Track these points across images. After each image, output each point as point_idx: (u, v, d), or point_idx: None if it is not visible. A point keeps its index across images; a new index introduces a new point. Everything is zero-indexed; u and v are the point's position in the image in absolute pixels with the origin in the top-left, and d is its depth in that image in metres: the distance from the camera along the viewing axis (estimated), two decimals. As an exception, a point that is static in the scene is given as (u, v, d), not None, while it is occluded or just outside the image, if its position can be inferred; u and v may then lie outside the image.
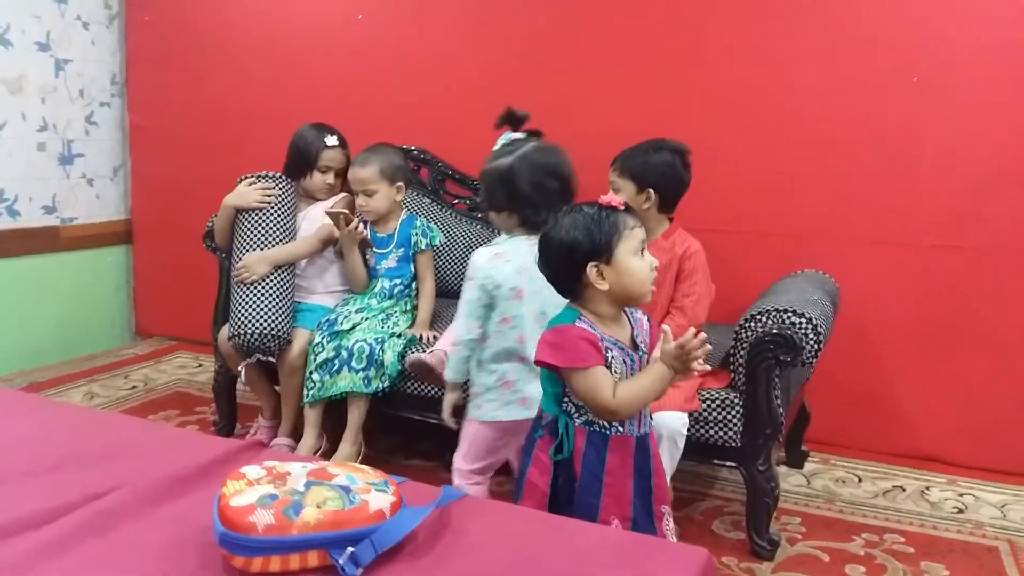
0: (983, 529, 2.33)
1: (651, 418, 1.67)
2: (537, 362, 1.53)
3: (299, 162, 2.71)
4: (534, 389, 1.88)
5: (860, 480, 2.64)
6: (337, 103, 3.33)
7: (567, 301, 1.65)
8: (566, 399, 1.56)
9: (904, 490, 2.58)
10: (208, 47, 3.70)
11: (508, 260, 1.90)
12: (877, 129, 2.70)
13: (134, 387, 3.38)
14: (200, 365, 3.69)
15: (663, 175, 2.23)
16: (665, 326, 1.54)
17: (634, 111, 2.91)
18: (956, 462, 2.72)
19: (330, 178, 2.70)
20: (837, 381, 2.77)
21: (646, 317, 1.65)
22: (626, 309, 1.60)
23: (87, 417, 1.60)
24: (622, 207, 1.53)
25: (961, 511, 2.44)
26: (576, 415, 1.55)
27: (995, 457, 2.68)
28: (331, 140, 2.68)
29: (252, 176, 2.66)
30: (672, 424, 2.06)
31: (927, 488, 2.59)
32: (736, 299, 2.51)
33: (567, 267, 1.53)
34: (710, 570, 1.07)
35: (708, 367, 1.50)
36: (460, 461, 2.02)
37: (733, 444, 2.15)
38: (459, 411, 2.09)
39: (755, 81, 2.81)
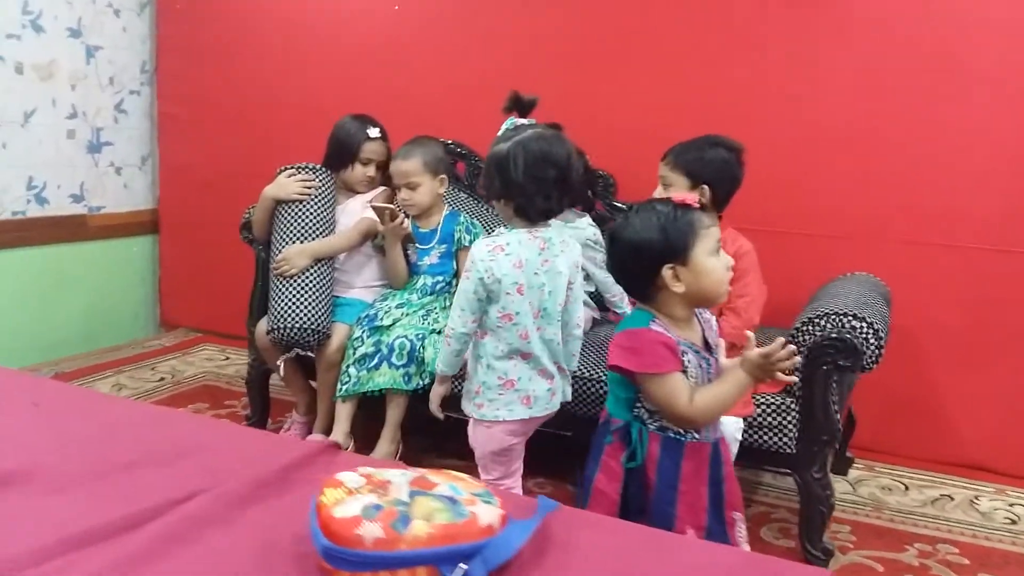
0: (1038, 541, 2.28)
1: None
2: (610, 367, 1.48)
3: (340, 154, 2.66)
4: (537, 387, 1.87)
5: (907, 488, 2.58)
6: (371, 94, 3.27)
7: (562, 300, 1.62)
8: (638, 404, 1.51)
9: (952, 499, 2.52)
10: (239, 36, 3.66)
11: (508, 253, 1.84)
12: (926, 129, 2.64)
13: (162, 379, 3.34)
14: (227, 358, 3.64)
15: (718, 172, 2.17)
16: (749, 332, 1.48)
17: (672, 109, 2.88)
18: (1003, 471, 2.67)
19: (371, 171, 2.65)
20: (882, 386, 2.71)
21: (713, 317, 1.60)
22: (695, 310, 1.55)
23: (149, 414, 1.54)
24: (697, 205, 1.47)
25: (1014, 522, 2.39)
26: (650, 421, 1.50)
27: (1045, 467, 2.62)
28: (373, 132, 2.63)
29: (292, 167, 2.61)
30: (728, 429, 2.01)
31: (976, 497, 2.54)
32: (783, 301, 2.45)
33: (639, 268, 1.48)
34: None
35: (796, 379, 1.45)
36: (484, 475, 1.97)
37: (788, 450, 2.10)
38: (447, 402, 2.08)
39: (798, 82, 2.76)
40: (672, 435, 1.49)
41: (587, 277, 2.60)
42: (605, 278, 2.62)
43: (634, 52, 2.96)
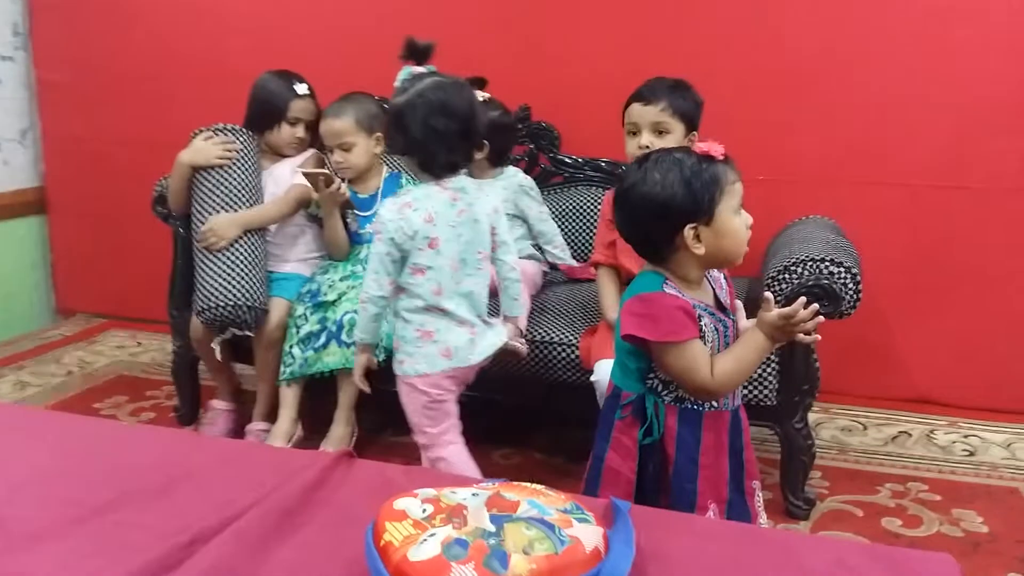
0: (999, 471, 2.32)
1: None
2: (624, 336, 1.36)
3: (265, 114, 2.43)
4: (456, 338, 1.80)
5: (865, 428, 2.60)
6: (286, 48, 3.02)
7: (484, 249, 1.67)
8: (652, 375, 1.39)
9: (911, 435, 2.55)
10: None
11: (416, 209, 1.77)
12: (872, 71, 2.60)
13: (70, 372, 3.04)
14: (139, 344, 3.36)
15: (697, 118, 2.05)
16: (768, 294, 1.39)
17: (615, 59, 2.73)
18: (953, 403, 2.71)
19: (300, 131, 2.43)
20: (832, 326, 2.69)
21: (723, 276, 1.49)
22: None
23: (113, 433, 1.32)
24: (721, 156, 1.35)
25: (972, 454, 2.43)
26: (665, 392, 1.38)
27: (991, 396, 2.68)
28: (301, 88, 2.41)
29: (209, 129, 2.37)
30: None
31: (932, 432, 2.57)
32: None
33: (658, 227, 1.34)
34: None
35: (818, 337, 1.37)
36: (419, 436, 1.90)
37: (769, 403, 2.05)
38: (371, 374, 2.00)
39: (747, 25, 2.67)
40: (690, 406, 1.39)
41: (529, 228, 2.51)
42: (546, 228, 2.51)
43: (577, 3, 2.80)
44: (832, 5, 2.60)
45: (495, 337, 1.91)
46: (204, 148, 2.33)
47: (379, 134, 2.36)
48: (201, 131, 2.38)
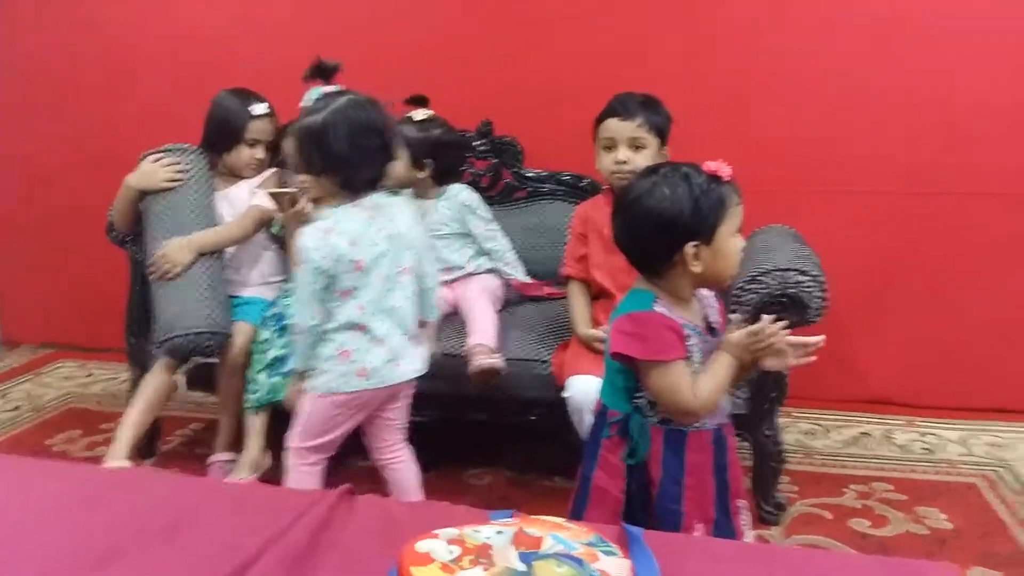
0: (957, 468, 2.40)
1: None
2: (613, 355, 1.36)
3: (222, 135, 2.37)
4: (375, 358, 1.79)
5: (827, 431, 2.66)
6: (235, 69, 2.96)
7: (408, 263, 1.68)
8: (639, 394, 1.40)
9: (871, 436, 2.62)
10: (73, 5, 3.20)
11: (339, 233, 1.75)
12: (831, 81, 2.67)
13: (17, 407, 2.93)
14: (90, 375, 3.26)
15: (668, 130, 2.07)
16: (733, 315, 1.41)
17: (583, 70, 2.75)
18: (908, 403, 2.79)
19: (259, 152, 2.38)
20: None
21: (711, 296, 1.51)
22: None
23: (97, 479, 1.25)
24: (728, 176, 1.36)
25: (930, 451, 2.50)
26: (650, 412, 1.39)
27: (945, 395, 2.77)
28: (259, 108, 2.36)
29: (157, 151, 2.31)
30: (591, 392, 1.86)
31: (891, 432, 2.64)
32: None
33: (660, 242, 1.34)
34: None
35: (810, 359, 1.38)
36: (295, 439, 1.88)
37: (739, 411, 2.07)
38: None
39: (705, 39, 2.72)
40: (675, 426, 1.39)
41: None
42: (495, 245, 2.49)
43: (537, 16, 2.81)
44: (789, 20, 2.66)
45: (418, 363, 1.89)
46: (152, 171, 2.27)
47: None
48: (149, 153, 2.32)
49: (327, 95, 1.81)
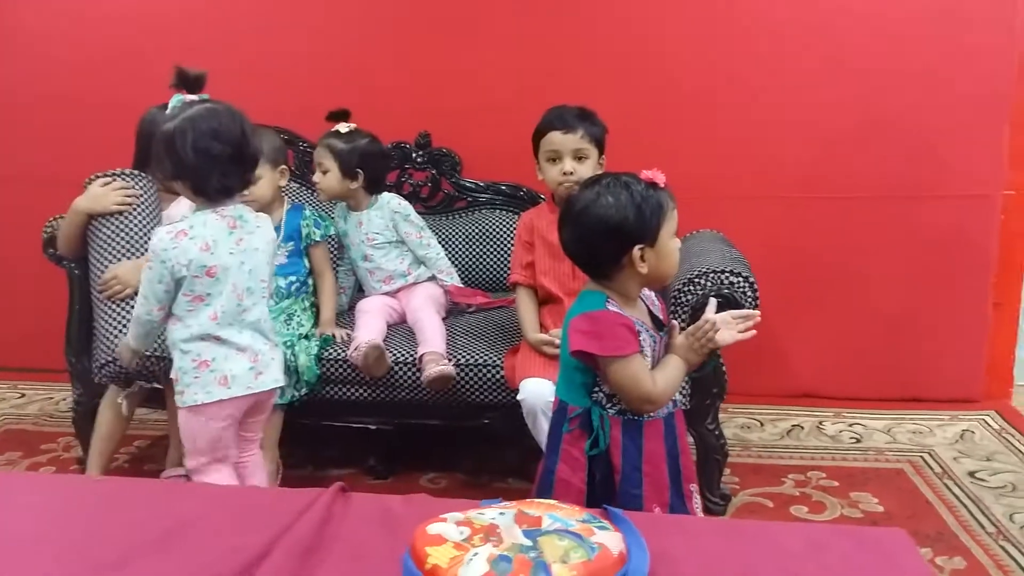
0: (884, 455, 2.54)
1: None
2: (573, 353, 1.43)
3: (143, 149, 2.33)
4: (235, 366, 1.82)
5: (762, 424, 2.78)
6: (158, 82, 2.94)
7: (265, 276, 1.73)
8: (597, 389, 1.47)
9: (803, 428, 2.75)
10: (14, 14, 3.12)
11: (192, 237, 1.77)
12: (746, 95, 2.82)
13: (-50, 431, 2.84)
14: (23, 395, 3.17)
15: (605, 141, 2.16)
16: (673, 321, 1.51)
17: (516, 82, 2.83)
18: (834, 395, 2.94)
19: None
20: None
21: (653, 294, 1.59)
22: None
23: (88, 489, 1.25)
24: (663, 183, 1.45)
25: (858, 440, 2.65)
26: (608, 405, 1.47)
27: (869, 386, 2.93)
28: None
29: (106, 175, 2.28)
30: (544, 394, 1.99)
31: (820, 423, 2.78)
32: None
33: (609, 247, 1.43)
34: (914, 548, 1.05)
35: (748, 335, 1.48)
36: (190, 462, 1.89)
37: (683, 407, 2.16)
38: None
39: (632, 53, 2.83)
40: (632, 417, 1.48)
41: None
42: (428, 252, 2.53)
43: (473, 32, 2.87)
44: (711, 35, 2.80)
45: (280, 375, 1.92)
46: (102, 195, 2.25)
47: (283, 167, 2.37)
48: (97, 176, 2.29)
49: (186, 103, 1.84)
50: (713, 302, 1.52)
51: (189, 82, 1.89)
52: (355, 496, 1.17)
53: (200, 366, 1.80)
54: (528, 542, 0.91)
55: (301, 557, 0.96)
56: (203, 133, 1.75)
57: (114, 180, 2.27)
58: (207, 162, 1.75)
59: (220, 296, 1.79)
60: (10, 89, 3.16)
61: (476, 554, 0.88)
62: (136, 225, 2.26)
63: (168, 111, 1.85)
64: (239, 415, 1.88)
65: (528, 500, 1.02)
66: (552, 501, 1.01)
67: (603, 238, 1.43)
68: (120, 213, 2.24)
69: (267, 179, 2.32)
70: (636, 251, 1.42)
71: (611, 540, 0.93)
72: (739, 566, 1.00)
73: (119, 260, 2.21)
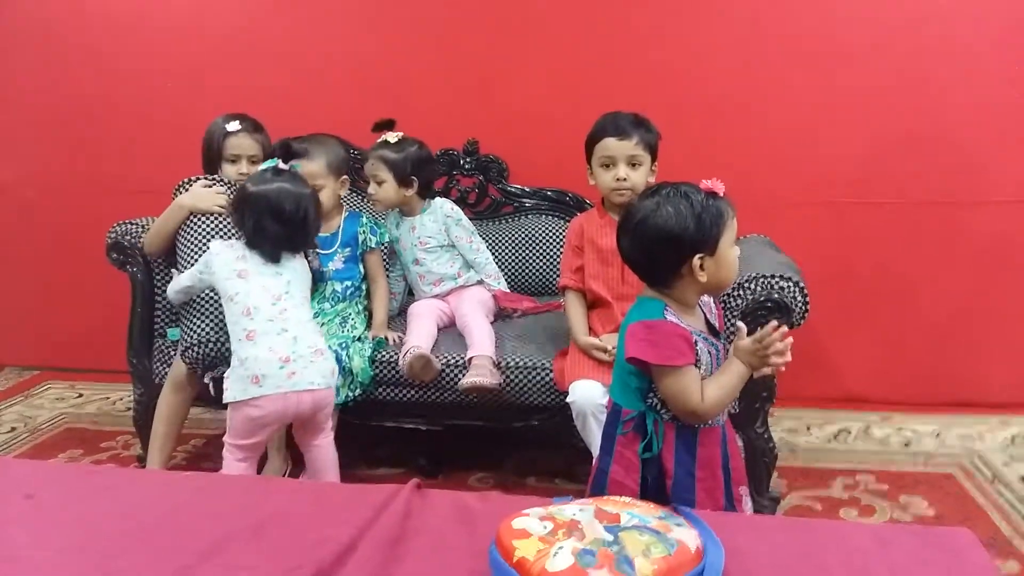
0: (934, 459, 2.53)
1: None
2: (629, 359, 1.46)
3: (206, 155, 2.46)
4: (265, 366, 1.94)
5: (809, 428, 2.78)
6: (224, 93, 3.02)
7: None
8: (651, 394, 1.49)
9: (850, 432, 2.74)
10: (62, 28, 3.21)
11: (233, 247, 2.07)
12: (796, 102, 2.82)
13: (13, 429, 2.94)
14: (80, 395, 3.27)
15: (657, 148, 2.18)
16: (740, 323, 1.52)
17: (564, 90, 2.87)
18: (881, 399, 2.93)
19: (243, 167, 2.41)
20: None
21: (711, 301, 1.61)
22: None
23: (179, 485, 1.31)
24: (722, 193, 1.47)
25: (907, 444, 2.64)
26: (663, 410, 1.49)
27: (917, 391, 2.91)
28: (232, 125, 2.41)
29: (204, 179, 2.40)
30: (592, 395, 2.03)
31: (868, 427, 2.77)
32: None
33: (669, 256, 1.44)
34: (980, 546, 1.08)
35: (788, 358, 1.49)
36: (227, 436, 2.04)
37: (731, 411, 2.17)
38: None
39: (681, 60, 2.85)
40: (686, 423, 1.49)
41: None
42: (477, 257, 2.58)
43: (520, 40, 2.91)
44: (761, 44, 2.80)
45: (316, 377, 2.00)
46: (207, 195, 2.33)
47: (345, 176, 2.43)
48: (197, 179, 2.41)
49: (274, 170, 2.08)
50: (742, 326, 1.52)
51: (287, 153, 2.16)
52: (431, 492, 1.21)
53: (239, 364, 1.96)
54: (610, 537, 0.94)
55: (387, 548, 1.01)
56: (267, 210, 2.00)
57: (215, 184, 2.37)
58: (260, 235, 2.02)
59: (248, 294, 1.98)
60: (80, 100, 3.26)
61: (561, 547, 0.92)
62: (227, 225, 2.33)
63: (258, 173, 2.10)
64: (282, 413, 1.98)
65: (604, 498, 1.05)
66: (627, 499, 1.04)
67: (663, 247, 1.45)
68: (216, 214, 2.33)
69: (329, 189, 2.39)
70: (696, 260, 1.44)
71: (688, 537, 0.96)
72: (809, 561, 1.03)
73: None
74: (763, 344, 1.47)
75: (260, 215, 1.99)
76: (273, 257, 2.04)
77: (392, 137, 2.49)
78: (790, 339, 1.49)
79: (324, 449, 2.13)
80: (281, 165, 2.09)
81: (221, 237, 2.30)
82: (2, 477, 1.31)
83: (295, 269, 2.08)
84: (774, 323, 1.48)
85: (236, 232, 2.14)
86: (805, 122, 2.83)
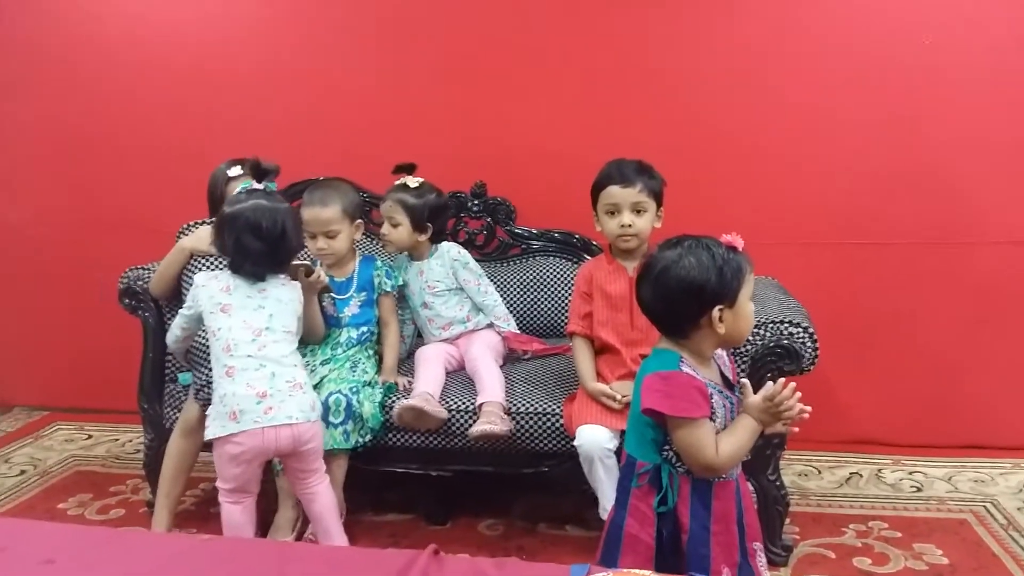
0: (947, 504, 2.51)
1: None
2: (645, 410, 1.46)
3: (211, 200, 2.49)
4: (243, 402, 1.95)
5: (819, 472, 2.77)
6: (235, 134, 3.06)
7: (291, 324, 1.95)
8: (667, 447, 1.49)
9: (861, 476, 2.73)
10: (71, 65, 3.25)
11: (219, 279, 2.09)
12: (792, 141, 2.84)
13: (23, 471, 2.93)
14: (89, 436, 3.27)
15: (663, 194, 2.20)
16: (743, 380, 1.53)
17: (570, 134, 2.90)
18: (892, 442, 2.91)
19: None
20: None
21: (725, 354, 1.62)
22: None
23: (200, 550, 1.30)
24: (741, 248, 1.49)
25: (919, 489, 2.62)
26: (678, 463, 1.49)
27: (928, 433, 2.90)
28: (233, 171, 2.43)
29: (207, 222, 2.44)
30: (599, 438, 2.04)
31: (879, 471, 2.76)
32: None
33: (690, 307, 1.46)
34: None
35: (806, 415, 1.49)
36: (218, 480, 2.04)
37: (744, 458, 2.17)
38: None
39: (682, 105, 2.87)
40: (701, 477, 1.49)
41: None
42: (486, 300, 2.59)
43: (528, 84, 2.94)
44: (761, 87, 2.82)
45: (295, 411, 2.00)
46: (208, 236, 2.34)
47: (359, 221, 2.45)
48: (202, 222, 2.46)
49: (249, 191, 2.08)
50: (746, 382, 1.53)
51: (259, 173, 2.13)
52: (448, 559, 1.20)
53: (219, 401, 1.98)
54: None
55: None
56: (245, 228, 2.01)
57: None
58: (240, 253, 2.03)
59: (230, 329, 2.00)
60: (91, 140, 3.29)
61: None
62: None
63: (234, 195, 2.10)
64: (261, 449, 1.98)
65: (616, 570, 1.04)
66: (643, 572, 1.03)
67: (685, 297, 1.46)
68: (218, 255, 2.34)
69: (344, 234, 2.40)
70: (716, 312, 1.45)
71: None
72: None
73: None
74: (774, 402, 1.47)
75: (239, 233, 2.01)
76: (257, 276, 2.06)
77: (412, 182, 2.51)
78: (799, 394, 1.50)
79: (320, 495, 2.11)
80: (255, 185, 2.11)
81: None
82: (22, 540, 1.30)
83: (279, 300, 2.08)
84: (782, 380, 1.48)
85: (221, 262, 2.17)
86: (805, 163, 2.84)
